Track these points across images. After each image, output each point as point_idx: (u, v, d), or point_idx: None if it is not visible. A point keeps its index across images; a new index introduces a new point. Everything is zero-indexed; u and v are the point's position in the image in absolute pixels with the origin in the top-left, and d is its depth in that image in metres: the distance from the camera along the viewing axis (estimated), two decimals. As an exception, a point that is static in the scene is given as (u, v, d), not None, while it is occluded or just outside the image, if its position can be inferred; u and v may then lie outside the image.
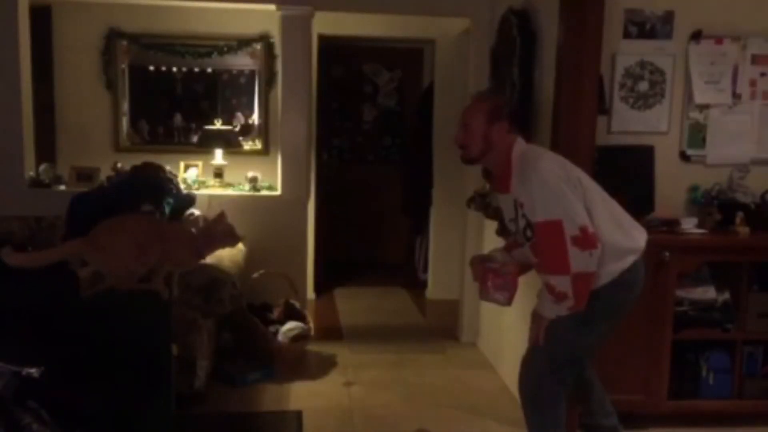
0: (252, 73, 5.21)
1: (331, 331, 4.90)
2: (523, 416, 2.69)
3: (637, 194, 3.29)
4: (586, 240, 2.37)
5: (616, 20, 3.34)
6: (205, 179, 4.79)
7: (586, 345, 2.64)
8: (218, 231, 2.46)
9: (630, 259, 2.52)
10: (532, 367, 2.63)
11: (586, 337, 2.58)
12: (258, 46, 5.13)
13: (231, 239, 2.48)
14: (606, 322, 2.60)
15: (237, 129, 5.21)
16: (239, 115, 5.27)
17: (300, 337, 4.16)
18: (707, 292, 3.34)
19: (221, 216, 2.46)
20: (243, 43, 5.12)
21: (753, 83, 3.48)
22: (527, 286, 3.07)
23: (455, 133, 2.66)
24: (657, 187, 3.38)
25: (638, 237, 2.58)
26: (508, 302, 2.73)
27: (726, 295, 3.35)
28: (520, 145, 2.58)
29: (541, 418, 2.63)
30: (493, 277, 2.69)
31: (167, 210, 4.09)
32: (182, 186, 4.41)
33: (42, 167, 4.46)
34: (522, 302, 3.06)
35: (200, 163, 4.91)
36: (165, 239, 2.42)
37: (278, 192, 4.60)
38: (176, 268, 2.58)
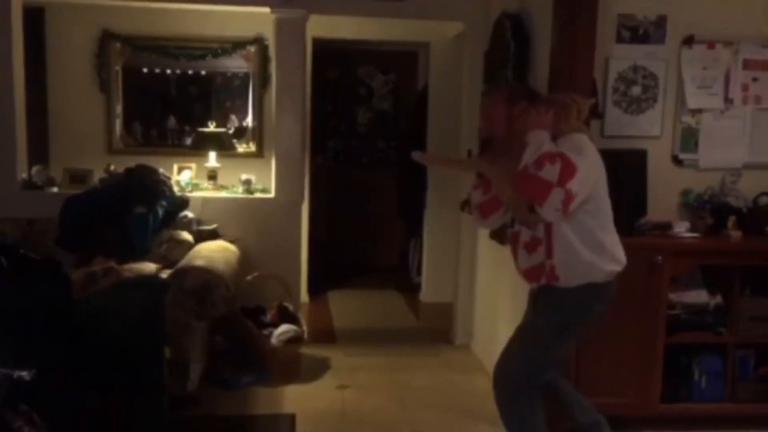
0: (246, 75, 5.20)
1: (325, 334, 4.89)
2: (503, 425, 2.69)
3: (629, 198, 3.30)
4: (566, 200, 2.38)
5: (609, 25, 3.35)
6: (199, 182, 4.77)
7: (561, 353, 2.68)
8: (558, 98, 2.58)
9: (615, 268, 2.56)
10: (507, 377, 2.63)
11: (563, 345, 2.63)
12: (252, 49, 5.12)
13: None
14: (579, 330, 2.65)
15: (231, 131, 5.20)
16: (233, 117, 5.26)
17: (293, 340, 4.15)
18: (700, 296, 3.35)
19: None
20: (237, 45, 5.11)
21: (745, 88, 3.50)
22: (521, 287, 3.07)
23: (479, 127, 2.73)
24: (650, 191, 3.38)
25: (623, 254, 2.63)
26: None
27: (718, 299, 3.36)
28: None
29: (521, 427, 2.64)
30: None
31: (161, 212, 4.09)
32: (176, 188, 4.40)
33: (35, 169, 4.44)
34: (518, 305, 3.06)
35: (194, 166, 4.89)
36: None
37: (272, 194, 4.59)
38: None
